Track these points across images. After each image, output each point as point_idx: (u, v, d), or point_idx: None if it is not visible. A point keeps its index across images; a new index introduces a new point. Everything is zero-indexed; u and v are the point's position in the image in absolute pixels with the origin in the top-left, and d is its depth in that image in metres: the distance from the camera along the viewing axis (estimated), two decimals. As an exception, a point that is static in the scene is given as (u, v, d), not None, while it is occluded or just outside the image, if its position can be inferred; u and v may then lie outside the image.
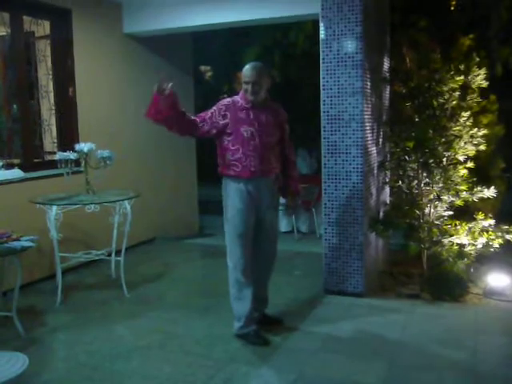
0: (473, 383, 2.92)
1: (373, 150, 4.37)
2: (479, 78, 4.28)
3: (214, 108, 3.35)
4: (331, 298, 4.19)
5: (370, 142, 4.25)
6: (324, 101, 4.13)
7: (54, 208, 4.04)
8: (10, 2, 4.52)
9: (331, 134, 4.13)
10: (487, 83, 4.34)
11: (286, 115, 3.52)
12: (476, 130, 4.28)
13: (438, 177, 4.23)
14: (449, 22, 4.70)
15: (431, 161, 4.20)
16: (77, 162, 4.35)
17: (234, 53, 8.11)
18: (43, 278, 4.70)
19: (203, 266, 5.71)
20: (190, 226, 6.83)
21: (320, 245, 4.45)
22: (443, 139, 4.21)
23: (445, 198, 4.24)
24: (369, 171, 4.26)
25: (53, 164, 4.62)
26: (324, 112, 4.14)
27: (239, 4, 4.98)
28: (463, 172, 4.24)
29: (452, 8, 5.09)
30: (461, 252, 4.11)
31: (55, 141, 5.14)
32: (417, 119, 4.33)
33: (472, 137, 4.26)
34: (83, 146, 4.23)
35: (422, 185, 4.31)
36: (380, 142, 4.59)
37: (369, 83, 4.15)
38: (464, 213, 4.35)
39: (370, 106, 4.20)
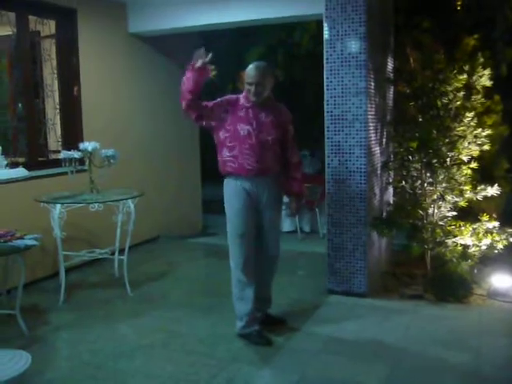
0: (475, 384, 2.92)
1: (376, 150, 4.37)
2: (484, 79, 4.27)
3: (218, 100, 3.36)
4: (334, 298, 4.19)
5: (373, 142, 4.24)
6: (328, 101, 4.12)
7: (58, 207, 4.05)
8: (15, 1, 4.54)
9: (335, 134, 4.12)
10: (491, 83, 4.32)
11: (291, 116, 3.51)
12: (480, 130, 4.26)
13: (441, 177, 4.22)
14: (453, 23, 4.69)
15: (435, 161, 4.19)
16: (81, 161, 4.37)
17: (238, 52, 8.12)
18: (47, 276, 4.71)
19: (206, 265, 5.71)
20: (194, 225, 6.84)
21: (323, 245, 4.44)
22: (447, 139, 4.19)
23: (448, 198, 4.23)
24: (372, 171, 4.25)
25: (57, 163, 4.63)
26: (328, 112, 4.13)
27: (244, 3, 4.98)
28: (467, 172, 4.23)
29: (458, 8, 5.07)
30: (465, 253, 4.10)
31: (60, 139, 5.16)
32: (420, 119, 4.31)
33: (476, 137, 4.24)
34: (87, 145, 4.24)
35: (426, 185, 4.30)
36: (383, 142, 4.59)
37: (372, 83, 4.14)
38: (468, 214, 4.34)
39: (373, 106, 4.19)
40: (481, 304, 4.03)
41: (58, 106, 5.12)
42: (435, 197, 4.25)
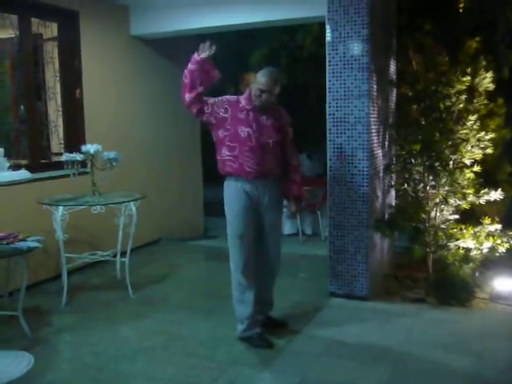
0: (477, 388, 2.91)
1: (378, 152, 4.36)
2: (486, 81, 4.26)
3: (218, 98, 3.36)
4: (336, 301, 4.18)
5: (375, 144, 4.24)
6: (330, 103, 4.12)
7: (60, 209, 4.06)
8: (18, 4, 4.55)
9: (337, 137, 4.12)
10: (494, 86, 4.31)
11: (289, 119, 3.51)
12: (483, 133, 4.25)
13: (444, 180, 4.21)
14: (455, 25, 4.68)
15: (437, 164, 4.18)
16: (83, 163, 4.37)
17: (240, 55, 8.13)
18: (49, 278, 4.72)
19: (207, 267, 5.72)
20: (195, 228, 6.84)
21: (325, 247, 4.44)
22: (450, 142, 4.18)
23: (451, 201, 4.22)
24: (374, 174, 4.25)
25: (59, 165, 4.64)
26: (330, 114, 4.13)
27: (246, 6, 4.99)
28: (469, 175, 4.22)
29: (460, 10, 5.06)
30: (466, 256, 4.09)
31: (62, 142, 5.17)
32: (423, 122, 4.30)
33: (479, 140, 4.23)
34: (90, 148, 4.25)
35: (428, 188, 4.29)
36: (386, 145, 4.58)
37: (375, 86, 4.14)
38: (470, 217, 4.33)
39: (376, 108, 4.19)
40: (483, 307, 4.02)
41: (60, 109, 5.13)
42: (437, 200, 4.24)
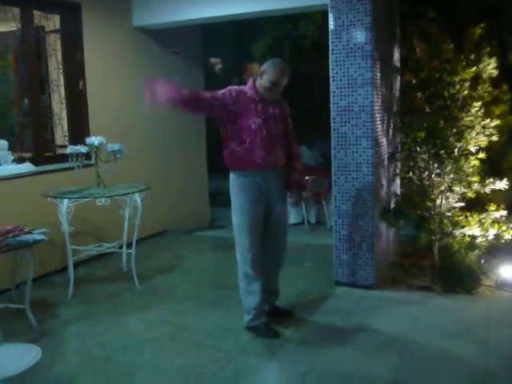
0: (484, 376, 2.91)
1: (383, 141, 4.34)
2: (490, 67, 4.22)
3: (224, 91, 3.32)
4: (342, 290, 4.19)
5: (380, 133, 4.22)
6: (334, 92, 4.10)
7: (66, 201, 4.07)
8: (20, -4, 4.54)
9: (341, 126, 4.11)
10: (498, 72, 4.27)
11: (289, 109, 3.52)
12: (488, 120, 4.22)
13: (449, 168, 4.19)
14: (459, 12, 4.63)
15: (442, 152, 4.16)
16: (87, 156, 4.37)
17: (243, 44, 8.09)
18: (55, 270, 4.74)
19: (214, 258, 5.73)
20: (202, 219, 6.85)
21: (330, 236, 4.43)
22: (454, 130, 4.16)
23: (456, 189, 4.21)
24: (379, 162, 4.23)
25: (64, 158, 4.64)
26: (334, 103, 4.11)
27: (248, -5, 4.96)
28: (475, 162, 4.20)
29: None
30: (472, 243, 4.08)
31: (66, 134, 5.17)
32: (428, 110, 4.28)
33: (484, 127, 4.21)
34: (94, 140, 4.25)
35: (433, 176, 4.27)
36: (390, 133, 4.56)
37: (379, 74, 4.11)
38: (475, 204, 4.31)
39: (380, 96, 4.16)
40: (489, 295, 4.02)
41: (63, 101, 5.13)
42: (443, 188, 4.23)
